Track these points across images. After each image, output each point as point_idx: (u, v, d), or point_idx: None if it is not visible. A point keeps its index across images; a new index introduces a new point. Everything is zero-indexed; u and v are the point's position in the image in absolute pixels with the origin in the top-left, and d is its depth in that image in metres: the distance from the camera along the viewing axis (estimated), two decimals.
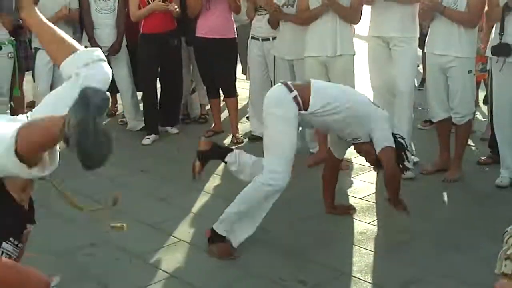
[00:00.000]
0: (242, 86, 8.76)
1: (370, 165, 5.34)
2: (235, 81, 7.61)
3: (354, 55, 6.31)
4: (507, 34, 5.53)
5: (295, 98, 4.54)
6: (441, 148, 6.25)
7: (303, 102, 4.54)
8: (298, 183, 5.19)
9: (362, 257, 4.54)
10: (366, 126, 4.67)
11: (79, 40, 7.72)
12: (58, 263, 4.51)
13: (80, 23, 7.68)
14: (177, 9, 7.22)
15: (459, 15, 5.72)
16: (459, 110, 5.93)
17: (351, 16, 6.16)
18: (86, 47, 7.28)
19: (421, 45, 6.41)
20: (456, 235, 4.88)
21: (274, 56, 6.84)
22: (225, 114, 7.90)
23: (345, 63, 6.21)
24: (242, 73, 9.07)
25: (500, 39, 5.57)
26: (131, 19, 7.45)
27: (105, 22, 7.47)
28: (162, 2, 7.21)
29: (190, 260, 4.60)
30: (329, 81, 6.20)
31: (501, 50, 5.58)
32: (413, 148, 6.50)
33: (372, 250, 4.64)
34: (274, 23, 6.71)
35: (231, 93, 7.52)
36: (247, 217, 4.56)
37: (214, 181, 6.12)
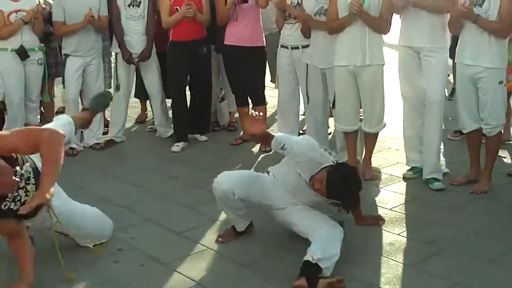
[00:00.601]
0: (271, 94, 8.77)
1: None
2: (264, 89, 7.60)
3: (383, 65, 6.27)
4: None
5: None
6: (471, 159, 6.19)
7: None
8: None
9: (391, 269, 4.49)
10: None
11: (108, 48, 7.80)
12: (82, 268, 4.52)
13: (110, 31, 7.72)
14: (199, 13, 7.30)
15: (490, 25, 5.65)
16: (489, 121, 5.86)
17: (380, 26, 6.12)
18: (116, 54, 7.46)
19: (452, 55, 6.35)
20: (486, 247, 4.82)
21: (307, 64, 6.81)
22: None
23: (374, 73, 6.17)
24: (271, 81, 9.06)
25: None
26: (160, 26, 7.48)
27: (135, 29, 7.49)
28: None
29: (216, 268, 4.58)
30: (358, 90, 6.21)
31: None
32: (443, 159, 6.44)
33: (401, 261, 4.60)
34: (306, 32, 6.68)
35: (260, 101, 7.51)
36: None
37: None
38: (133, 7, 7.44)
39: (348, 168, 4.58)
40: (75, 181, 6.38)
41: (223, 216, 5.35)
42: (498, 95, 5.82)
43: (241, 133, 7.83)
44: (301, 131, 7.55)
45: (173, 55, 7.46)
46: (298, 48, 6.90)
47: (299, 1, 6.67)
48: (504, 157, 6.89)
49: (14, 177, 3.87)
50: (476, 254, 4.69)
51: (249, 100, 7.66)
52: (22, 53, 7.05)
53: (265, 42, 7.37)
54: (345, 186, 4.35)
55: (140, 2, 7.45)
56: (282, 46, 7.13)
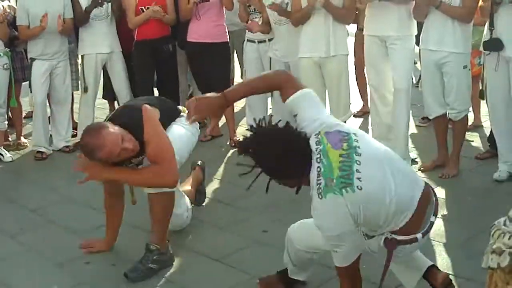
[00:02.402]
0: None
1: None
2: (230, 85, 7.60)
3: (347, 55, 6.32)
4: (497, 29, 5.53)
5: None
6: (438, 145, 6.26)
7: None
8: None
9: None
10: None
11: (75, 50, 7.76)
12: (55, 271, 4.53)
13: (75, 33, 7.67)
14: (166, 15, 7.31)
15: (454, 10, 5.71)
16: (455, 106, 5.93)
17: (344, 16, 6.17)
18: (83, 56, 7.39)
19: (418, 42, 6.39)
20: (454, 232, 4.88)
21: (270, 58, 6.84)
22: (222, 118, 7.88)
23: (339, 63, 6.22)
24: (241, 77, 9.06)
25: (491, 34, 5.57)
26: (125, 26, 7.47)
27: (99, 29, 7.47)
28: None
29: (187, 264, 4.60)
30: (324, 81, 6.25)
31: (492, 45, 5.58)
32: (412, 145, 6.49)
33: None
34: (265, 28, 6.71)
35: None
36: None
37: (214, 186, 6.13)
38: (96, 8, 7.40)
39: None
40: (45, 183, 6.39)
41: (194, 213, 5.35)
42: (463, 79, 5.89)
43: (210, 129, 7.82)
44: None
45: (138, 54, 7.46)
46: (264, 41, 6.93)
47: None
48: (472, 141, 6.96)
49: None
50: (445, 239, 4.75)
51: None
52: None
53: (229, 37, 7.37)
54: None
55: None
56: (248, 40, 7.15)
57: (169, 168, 4.16)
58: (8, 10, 7.38)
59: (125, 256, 4.65)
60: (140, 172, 4.29)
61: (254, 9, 6.91)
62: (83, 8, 7.33)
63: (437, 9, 5.73)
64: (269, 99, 7.44)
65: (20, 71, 7.65)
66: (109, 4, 7.44)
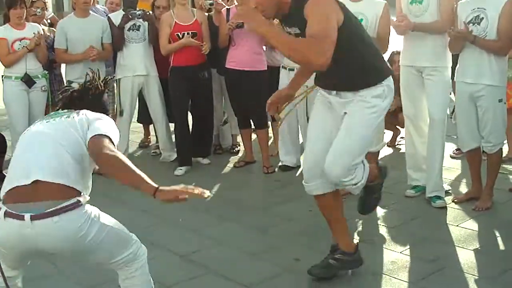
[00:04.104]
0: None
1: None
2: (266, 112, 7.63)
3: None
4: None
5: None
6: (472, 177, 6.22)
7: None
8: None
9: (393, 287, 4.52)
10: None
11: (111, 73, 7.86)
12: None
13: (113, 57, 7.79)
14: (206, 47, 7.35)
15: (490, 44, 5.70)
16: (490, 139, 5.89)
17: (379, 46, 6.15)
18: (119, 79, 7.48)
19: (453, 74, 6.37)
20: (487, 265, 4.84)
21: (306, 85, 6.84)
22: (256, 144, 7.91)
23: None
24: None
25: None
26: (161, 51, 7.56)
27: (136, 51, 7.57)
28: (191, 36, 7.34)
29: None
30: None
31: None
32: (446, 177, 6.46)
33: (403, 280, 4.61)
34: None
35: (262, 124, 7.56)
36: None
37: (247, 212, 6.13)
38: (133, 31, 7.51)
39: None
40: None
41: (225, 239, 5.39)
42: (498, 113, 5.85)
43: (244, 156, 7.87)
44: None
45: (174, 80, 7.52)
46: (293, 70, 6.94)
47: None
48: (506, 173, 6.91)
49: None
50: (477, 272, 4.71)
51: (252, 123, 7.71)
52: (28, 81, 7.12)
53: (266, 66, 7.41)
54: None
55: (139, 26, 7.53)
56: (282, 67, 7.19)
57: (326, 50, 3.93)
58: (48, 34, 7.51)
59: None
60: (294, 39, 4.18)
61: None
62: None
63: (473, 44, 5.72)
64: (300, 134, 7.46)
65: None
66: (146, 27, 7.54)
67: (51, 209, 3.22)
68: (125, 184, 3.29)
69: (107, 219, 3.55)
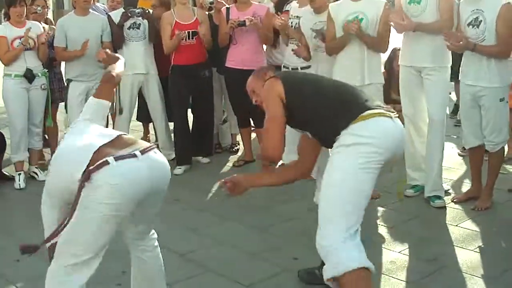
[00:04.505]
0: None
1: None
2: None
3: (383, 83, 6.31)
4: None
5: None
6: (472, 176, 6.24)
7: None
8: None
9: (392, 287, 4.52)
10: None
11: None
12: None
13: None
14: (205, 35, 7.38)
15: (489, 50, 5.70)
16: (492, 139, 5.89)
17: (379, 45, 6.16)
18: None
19: (453, 74, 6.36)
20: (487, 265, 4.84)
21: None
22: (256, 143, 7.91)
23: (374, 92, 6.19)
24: None
25: None
26: (161, 50, 7.56)
27: (136, 49, 7.58)
28: (191, 35, 7.37)
29: None
30: None
31: None
32: (445, 176, 6.46)
33: (402, 279, 4.62)
34: (304, 55, 6.70)
35: (262, 123, 7.53)
36: None
37: (246, 212, 6.13)
38: (133, 29, 7.52)
39: None
40: None
41: (225, 238, 5.39)
42: (499, 112, 5.86)
43: (243, 155, 7.86)
44: None
45: (174, 78, 7.53)
46: (297, 69, 6.92)
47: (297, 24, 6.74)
48: (506, 173, 6.91)
49: None
50: (477, 272, 4.71)
51: (251, 122, 7.71)
52: (30, 76, 7.10)
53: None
54: None
55: (140, 24, 7.53)
56: (284, 66, 7.18)
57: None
58: (49, 32, 7.50)
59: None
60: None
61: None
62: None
63: (473, 51, 5.72)
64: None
65: (58, 92, 7.77)
66: (146, 25, 7.54)
67: (145, 147, 3.51)
68: None
69: None
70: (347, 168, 3.69)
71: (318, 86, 4.13)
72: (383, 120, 3.79)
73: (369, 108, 3.81)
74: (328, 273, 3.68)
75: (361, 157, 3.67)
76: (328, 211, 3.71)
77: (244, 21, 7.14)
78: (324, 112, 3.94)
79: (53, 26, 7.98)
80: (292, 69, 6.97)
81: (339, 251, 3.64)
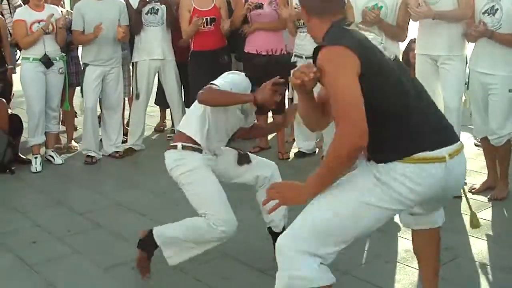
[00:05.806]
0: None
1: None
2: (283, 98, 7.63)
3: None
4: None
5: None
6: (488, 166, 6.21)
7: None
8: None
9: (407, 275, 4.52)
10: None
11: (128, 57, 7.85)
12: (99, 275, 4.58)
13: (130, 40, 7.78)
14: (226, 26, 7.36)
15: (506, 38, 5.66)
16: (496, 131, 5.85)
17: (397, 34, 6.14)
18: (135, 63, 7.48)
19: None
20: (502, 255, 4.83)
21: None
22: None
23: None
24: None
25: None
26: (179, 36, 7.59)
27: (154, 34, 7.59)
28: (209, 21, 7.37)
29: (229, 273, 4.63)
30: None
31: None
32: None
33: (417, 268, 4.58)
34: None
35: (279, 109, 7.54)
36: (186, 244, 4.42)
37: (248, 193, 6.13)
38: (151, 14, 7.52)
39: None
40: (94, 187, 6.47)
41: (242, 223, 5.39)
42: (506, 102, 5.81)
43: (259, 141, 7.86)
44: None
45: (194, 64, 7.52)
46: (310, 58, 6.87)
47: None
48: None
49: None
50: (492, 262, 4.70)
51: None
52: (47, 62, 7.14)
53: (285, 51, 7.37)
54: None
55: (158, 10, 7.54)
56: (296, 55, 7.14)
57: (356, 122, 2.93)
58: (67, 16, 7.51)
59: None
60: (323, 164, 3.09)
61: (303, 23, 6.91)
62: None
63: (491, 39, 5.69)
64: None
65: (75, 75, 7.79)
66: (164, 11, 7.54)
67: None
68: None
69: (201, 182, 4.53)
70: (359, 197, 3.10)
71: (398, 78, 3.26)
72: (436, 168, 3.12)
73: (437, 145, 3.16)
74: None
75: (385, 202, 3.08)
76: (307, 220, 3.20)
77: (262, 3, 7.13)
78: (394, 117, 3.12)
79: (71, 10, 7.99)
80: (306, 58, 6.93)
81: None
